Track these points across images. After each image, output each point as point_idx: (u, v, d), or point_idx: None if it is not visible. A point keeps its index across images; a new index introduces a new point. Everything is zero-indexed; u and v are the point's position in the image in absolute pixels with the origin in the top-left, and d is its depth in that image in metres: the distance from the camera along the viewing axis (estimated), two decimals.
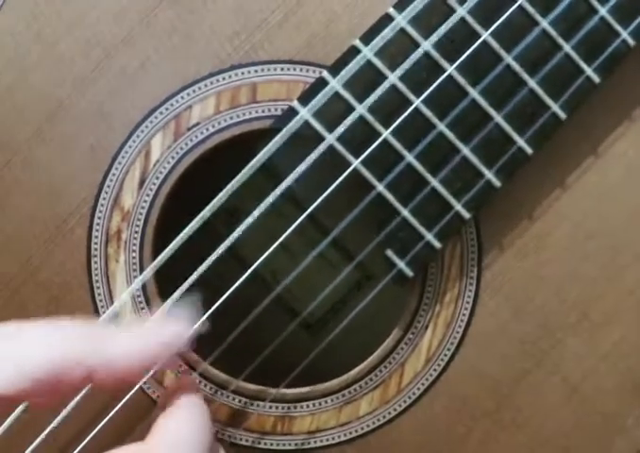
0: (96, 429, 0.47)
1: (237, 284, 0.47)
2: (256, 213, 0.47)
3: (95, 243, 0.49)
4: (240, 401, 0.50)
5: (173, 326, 0.40)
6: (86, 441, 0.47)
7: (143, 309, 0.49)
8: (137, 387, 0.48)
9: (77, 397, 0.45)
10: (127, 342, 0.38)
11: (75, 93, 0.48)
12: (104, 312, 0.49)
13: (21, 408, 0.42)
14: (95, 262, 0.49)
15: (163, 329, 0.40)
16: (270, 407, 0.50)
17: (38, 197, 0.49)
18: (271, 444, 0.50)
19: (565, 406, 0.50)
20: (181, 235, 0.47)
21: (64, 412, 0.45)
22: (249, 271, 0.47)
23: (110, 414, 0.47)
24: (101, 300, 0.49)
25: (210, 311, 0.47)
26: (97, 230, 0.49)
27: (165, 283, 0.49)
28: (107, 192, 0.49)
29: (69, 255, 0.49)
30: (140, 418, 0.49)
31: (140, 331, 0.40)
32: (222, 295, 0.47)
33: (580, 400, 0.50)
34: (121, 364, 0.38)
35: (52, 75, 0.48)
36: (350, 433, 0.50)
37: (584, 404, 0.50)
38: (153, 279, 0.49)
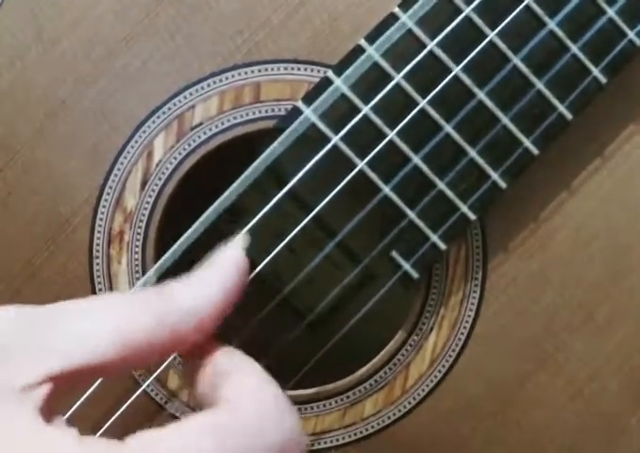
0: (98, 434, 0.47)
1: None
2: (260, 215, 0.46)
3: (97, 245, 0.49)
4: None
5: (225, 254, 0.40)
6: None
7: None
8: (140, 390, 0.48)
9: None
10: (195, 290, 0.38)
11: (77, 93, 0.48)
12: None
13: None
14: (97, 264, 0.49)
15: (219, 261, 0.39)
16: None
17: (39, 198, 0.48)
18: None
19: (570, 407, 0.50)
20: (185, 237, 0.46)
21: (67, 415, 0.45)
22: (254, 273, 0.47)
23: (113, 418, 0.47)
24: None
25: None
26: (99, 231, 0.49)
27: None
28: (109, 193, 0.49)
29: (71, 256, 0.49)
30: (144, 422, 0.49)
31: (201, 272, 0.39)
32: None
33: (584, 401, 0.50)
34: (198, 312, 0.37)
35: (53, 74, 0.48)
36: (355, 434, 0.50)
37: (588, 405, 0.50)
38: (155, 281, 0.49)
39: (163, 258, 0.47)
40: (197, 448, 0.33)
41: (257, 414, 0.35)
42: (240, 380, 0.37)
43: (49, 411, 0.34)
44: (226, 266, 0.39)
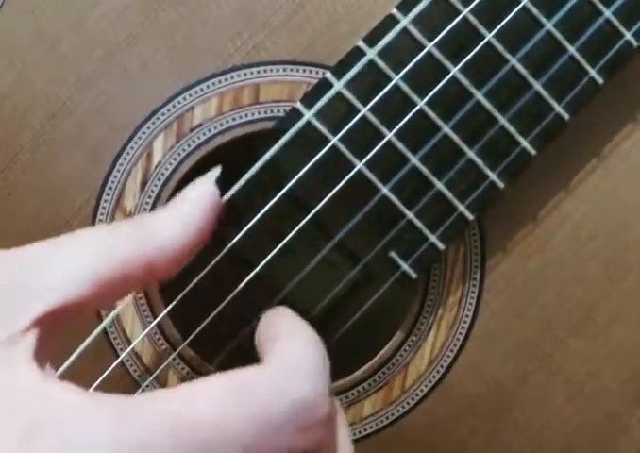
0: None
1: (240, 287, 0.47)
2: (259, 216, 0.46)
3: None
4: None
5: (198, 187, 0.40)
6: None
7: (145, 311, 0.49)
8: (139, 391, 0.48)
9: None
10: (170, 221, 0.38)
11: (77, 94, 0.48)
12: (106, 315, 0.49)
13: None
14: None
15: (192, 194, 0.40)
16: None
17: (39, 198, 0.49)
18: None
19: (569, 406, 0.50)
20: None
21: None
22: (252, 273, 0.47)
23: None
24: None
25: (212, 314, 0.47)
26: None
27: (168, 285, 0.49)
28: (109, 194, 0.49)
29: None
30: None
31: (173, 205, 0.39)
32: (225, 298, 0.47)
33: (583, 401, 0.50)
34: (173, 244, 0.37)
35: (53, 75, 0.48)
36: (354, 434, 0.50)
37: (588, 404, 0.50)
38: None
39: None
40: (213, 404, 0.32)
41: (287, 374, 0.34)
42: (284, 345, 0.36)
43: (41, 359, 0.33)
44: (199, 198, 0.39)
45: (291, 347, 0.36)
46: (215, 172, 0.42)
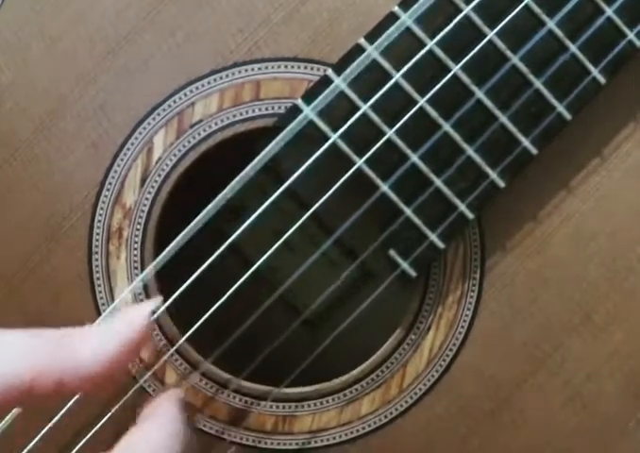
0: (95, 429, 0.47)
1: (239, 282, 0.47)
2: (258, 212, 0.46)
3: (97, 241, 0.49)
4: (241, 400, 0.50)
5: (134, 313, 0.40)
6: (84, 440, 0.47)
7: None
8: (137, 386, 0.48)
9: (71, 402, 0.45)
10: (95, 343, 0.38)
11: (78, 90, 0.48)
12: (104, 310, 0.49)
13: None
14: (96, 260, 0.49)
15: (126, 321, 0.40)
16: (271, 406, 0.50)
17: (39, 194, 0.49)
18: (271, 443, 0.50)
19: (567, 408, 0.50)
20: (183, 233, 0.47)
21: (54, 420, 0.46)
22: (252, 269, 0.47)
23: (108, 415, 0.47)
24: (102, 298, 0.49)
25: (212, 310, 0.47)
26: (99, 227, 0.49)
27: (167, 281, 0.49)
28: (108, 190, 0.49)
29: (70, 252, 0.49)
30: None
31: (103, 329, 0.40)
32: (224, 294, 0.47)
33: (582, 403, 0.49)
34: (89, 367, 0.37)
35: (54, 71, 0.48)
36: (352, 433, 0.50)
37: (586, 406, 0.49)
38: (154, 277, 0.49)
39: (162, 254, 0.47)
40: None
41: None
42: (132, 434, 0.38)
43: None
44: (130, 327, 0.40)
45: (147, 432, 0.38)
46: (156, 302, 0.42)
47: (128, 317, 0.40)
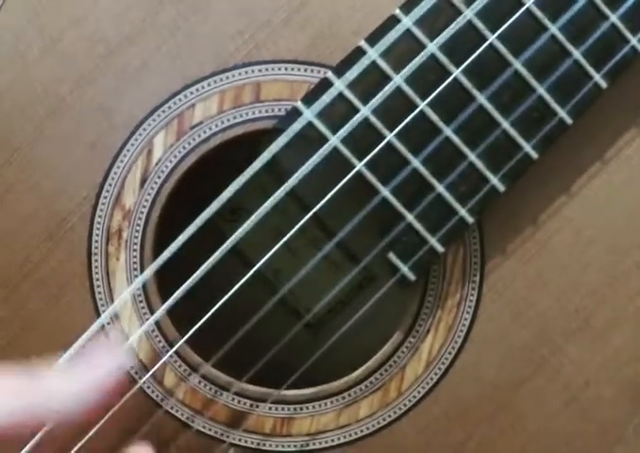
0: (94, 430, 0.47)
1: (239, 285, 0.47)
2: (258, 214, 0.46)
3: (96, 242, 0.49)
4: (240, 402, 0.50)
5: (109, 359, 0.42)
6: (84, 441, 0.47)
7: (143, 308, 0.49)
8: (136, 387, 0.48)
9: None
10: (68, 387, 0.40)
11: (77, 91, 0.48)
12: (104, 311, 0.49)
13: None
14: (96, 261, 0.49)
15: (101, 367, 0.41)
16: (270, 408, 0.50)
17: (38, 195, 0.49)
18: (270, 446, 0.50)
19: (564, 413, 0.50)
20: (183, 235, 0.46)
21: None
22: (251, 271, 0.47)
23: (107, 416, 0.47)
24: (101, 299, 0.49)
25: (211, 312, 0.47)
26: (98, 229, 0.49)
27: (166, 282, 0.49)
28: (108, 191, 0.49)
29: (69, 253, 0.49)
30: (142, 418, 0.49)
31: (77, 375, 0.41)
32: (224, 296, 0.47)
33: (579, 408, 0.49)
34: (66, 410, 0.39)
35: (54, 72, 0.48)
36: (350, 435, 0.50)
37: (583, 412, 0.50)
38: (154, 278, 0.49)
39: (161, 255, 0.47)
40: None
41: None
42: None
43: None
44: (103, 373, 0.41)
45: None
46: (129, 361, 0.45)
47: (100, 366, 0.41)
